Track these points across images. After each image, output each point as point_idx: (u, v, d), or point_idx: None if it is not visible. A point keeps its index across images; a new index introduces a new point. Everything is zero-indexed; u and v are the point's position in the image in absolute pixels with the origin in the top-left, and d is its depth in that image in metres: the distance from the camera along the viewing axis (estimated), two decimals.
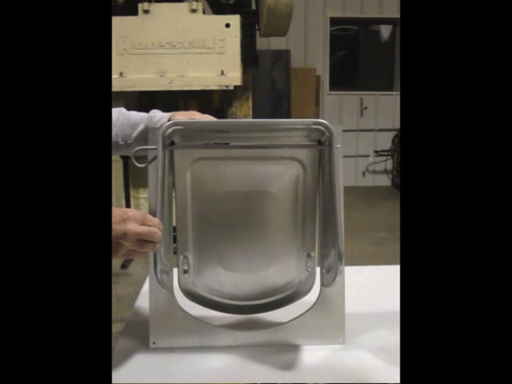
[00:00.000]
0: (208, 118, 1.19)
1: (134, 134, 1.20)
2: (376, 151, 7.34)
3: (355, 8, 7.08)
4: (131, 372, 1.08)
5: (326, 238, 1.17)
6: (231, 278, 1.22)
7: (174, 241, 1.19)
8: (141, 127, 1.19)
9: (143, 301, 1.33)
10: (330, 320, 1.18)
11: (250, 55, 4.09)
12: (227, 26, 3.85)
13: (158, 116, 1.20)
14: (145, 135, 1.19)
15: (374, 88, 7.28)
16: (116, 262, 3.95)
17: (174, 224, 1.19)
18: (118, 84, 3.77)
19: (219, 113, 4.20)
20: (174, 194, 1.18)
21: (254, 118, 4.23)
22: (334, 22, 7.16)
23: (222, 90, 4.06)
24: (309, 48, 7.13)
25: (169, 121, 1.17)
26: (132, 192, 4.17)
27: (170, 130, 1.08)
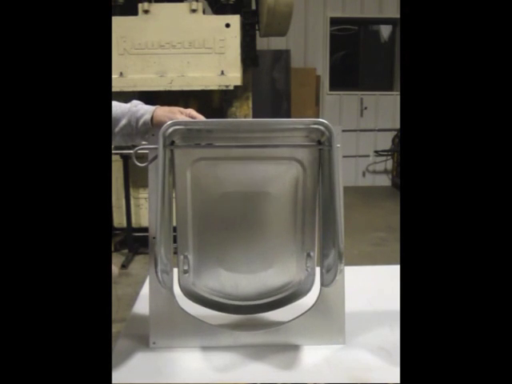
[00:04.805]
0: (191, 112, 1.17)
1: (116, 129, 1.17)
2: (376, 151, 7.33)
3: (355, 8, 7.07)
4: (131, 372, 1.08)
5: (325, 238, 1.17)
6: (231, 279, 1.22)
7: (174, 241, 1.19)
8: (123, 122, 1.16)
9: (143, 301, 1.33)
10: (330, 320, 1.18)
11: (249, 55, 4.08)
12: (227, 26, 3.84)
13: (140, 111, 1.17)
14: (127, 129, 1.17)
15: (374, 88, 7.26)
16: (116, 262, 3.95)
17: (175, 224, 1.19)
18: (117, 84, 3.77)
19: (219, 113, 4.20)
20: (174, 194, 1.18)
21: (254, 118, 4.22)
22: (334, 21, 7.15)
23: (222, 90, 4.05)
24: (309, 48, 7.12)
25: (152, 117, 1.16)
26: (132, 192, 4.17)
27: (170, 130, 1.08)
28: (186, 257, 1.20)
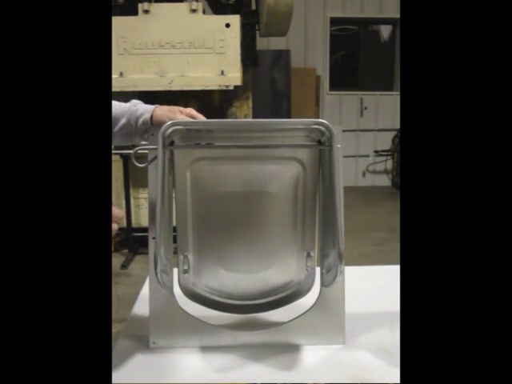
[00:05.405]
0: (191, 112, 1.16)
1: (116, 129, 1.16)
2: (376, 151, 7.34)
3: (355, 8, 7.07)
4: (131, 372, 1.08)
5: (325, 237, 1.17)
6: (231, 278, 1.22)
7: (174, 241, 1.19)
8: (122, 121, 1.16)
9: (143, 301, 1.33)
10: (329, 320, 1.18)
11: (250, 55, 4.09)
12: (227, 26, 3.85)
13: (140, 110, 1.17)
14: (126, 129, 1.16)
15: (374, 88, 7.27)
16: (116, 262, 3.95)
17: (174, 224, 1.19)
18: (118, 84, 3.77)
19: (219, 113, 4.20)
20: (174, 194, 1.17)
21: (254, 118, 4.22)
22: (334, 21, 7.16)
23: (222, 90, 4.06)
24: (309, 48, 7.13)
25: (151, 117, 1.16)
26: (132, 192, 4.17)
27: (170, 130, 1.08)
28: (185, 256, 1.20)
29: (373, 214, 5.70)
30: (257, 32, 4.18)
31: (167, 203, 1.12)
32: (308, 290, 1.23)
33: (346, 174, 6.81)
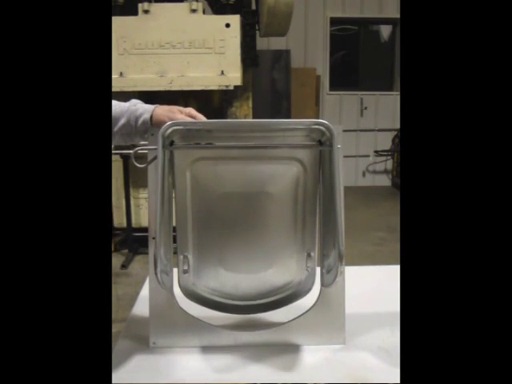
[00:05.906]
0: (191, 111, 1.16)
1: (115, 129, 1.15)
2: (376, 151, 7.34)
3: (355, 8, 7.07)
4: (131, 372, 1.07)
5: (325, 238, 1.17)
6: (231, 278, 1.22)
7: (174, 241, 1.19)
8: (122, 121, 1.16)
9: (143, 301, 1.33)
10: (330, 320, 1.18)
11: (250, 55, 4.09)
12: (227, 26, 3.84)
13: (139, 110, 1.17)
14: (126, 129, 1.17)
15: (374, 88, 7.26)
16: (116, 262, 3.95)
17: (174, 224, 1.19)
18: (118, 84, 3.77)
19: (219, 113, 4.19)
20: (173, 194, 1.17)
21: (254, 118, 4.22)
22: (334, 21, 7.15)
23: (222, 90, 4.05)
24: (309, 48, 7.13)
25: (151, 116, 1.16)
26: (132, 192, 4.17)
27: (169, 131, 1.07)
28: (185, 257, 1.20)
29: (373, 214, 5.70)
30: (257, 32, 4.18)
31: (167, 203, 1.12)
32: (308, 291, 1.23)
33: (346, 173, 6.78)
